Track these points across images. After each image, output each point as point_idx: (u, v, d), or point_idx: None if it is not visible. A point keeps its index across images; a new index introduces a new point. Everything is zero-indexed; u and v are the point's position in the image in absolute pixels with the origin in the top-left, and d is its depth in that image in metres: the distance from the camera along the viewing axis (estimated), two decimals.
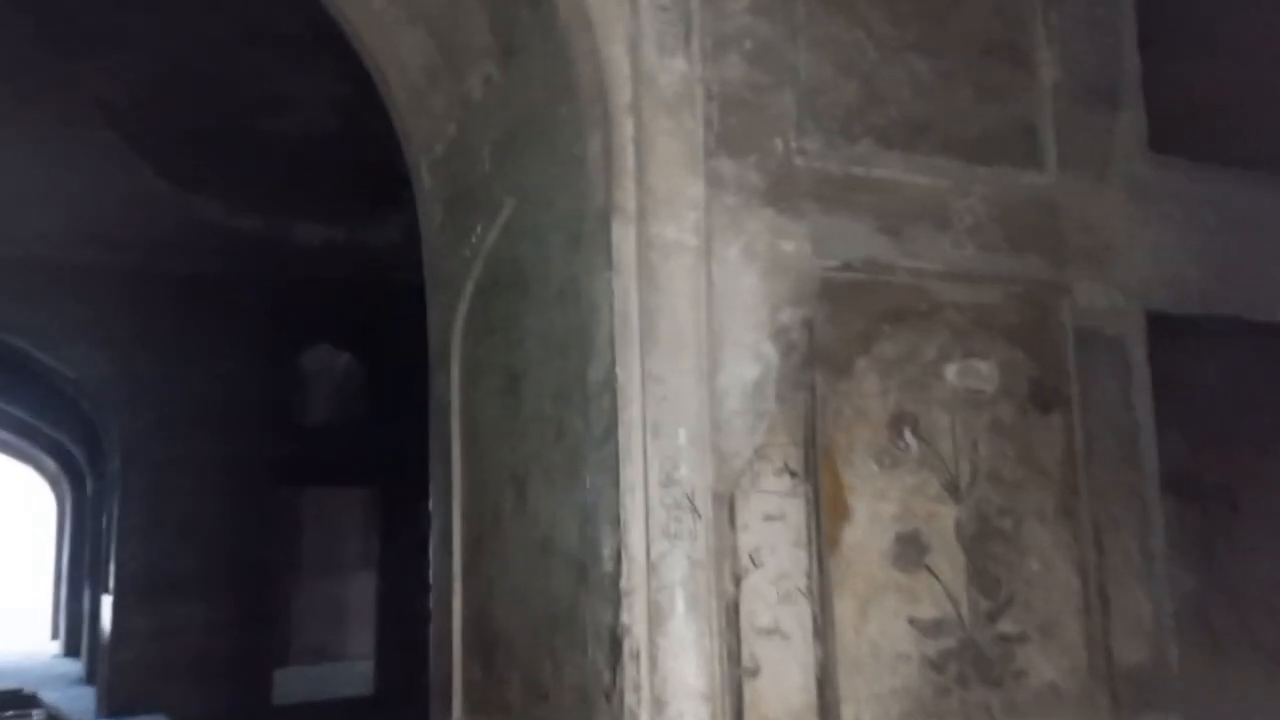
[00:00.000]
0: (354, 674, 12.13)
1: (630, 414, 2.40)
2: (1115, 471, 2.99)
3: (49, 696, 11.17)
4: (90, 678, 12.17)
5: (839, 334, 2.65)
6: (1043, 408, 2.90)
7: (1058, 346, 2.96)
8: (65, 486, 17.07)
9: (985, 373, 2.82)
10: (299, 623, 13.85)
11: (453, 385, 3.30)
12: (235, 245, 9.77)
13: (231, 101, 8.14)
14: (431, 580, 3.34)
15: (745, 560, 2.44)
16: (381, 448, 10.80)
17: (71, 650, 15.31)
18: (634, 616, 2.34)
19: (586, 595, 2.48)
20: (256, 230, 9.84)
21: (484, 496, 3.08)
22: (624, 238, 2.45)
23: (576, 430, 2.57)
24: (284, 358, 10.67)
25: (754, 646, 2.42)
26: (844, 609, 2.55)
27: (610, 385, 2.43)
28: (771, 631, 2.44)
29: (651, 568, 2.36)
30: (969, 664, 2.69)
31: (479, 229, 3.08)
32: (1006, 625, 2.76)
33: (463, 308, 3.22)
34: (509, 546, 2.89)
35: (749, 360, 2.52)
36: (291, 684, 10.83)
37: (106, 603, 10.11)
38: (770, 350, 2.54)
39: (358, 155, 8.63)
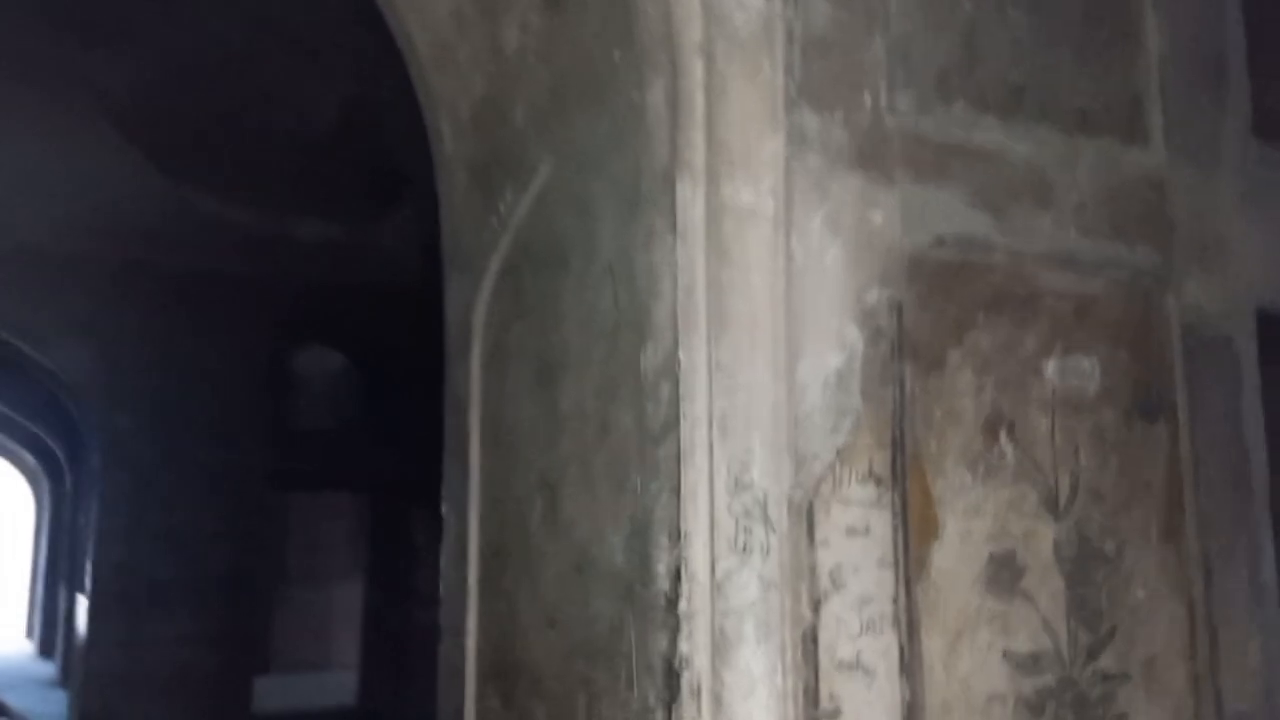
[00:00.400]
0: (337, 684, 11.78)
1: (694, 407, 2.03)
2: (1223, 491, 2.64)
3: (17, 702, 10.71)
4: (64, 681, 11.72)
5: (930, 321, 2.29)
6: (1148, 415, 2.55)
7: (1164, 347, 2.61)
8: (44, 482, 16.62)
9: (1087, 370, 2.47)
10: (282, 630, 13.46)
11: (472, 377, 2.93)
12: (229, 241, 9.43)
13: (232, 96, 7.87)
14: (441, 596, 2.96)
15: (825, 581, 2.07)
16: (373, 452, 10.45)
17: (46, 651, 14.85)
18: (694, 645, 1.98)
19: (634, 619, 2.11)
20: (251, 226, 9.50)
21: (507, 503, 2.71)
22: (691, 201, 2.08)
23: (625, 427, 2.20)
24: (275, 358, 10.29)
25: (833, 684, 2.05)
26: (933, 641, 2.19)
27: (671, 373, 2.06)
28: (853, 666, 2.08)
29: (716, 588, 1.99)
30: (1068, 707, 2.33)
31: (509, 196, 2.71)
32: (1108, 662, 2.40)
33: (487, 287, 2.86)
34: (537, 561, 2.52)
35: (832, 348, 2.15)
36: (272, 693, 10.48)
37: (82, 603, 9.69)
38: (856, 336, 2.18)
39: (359, 154, 8.35)
